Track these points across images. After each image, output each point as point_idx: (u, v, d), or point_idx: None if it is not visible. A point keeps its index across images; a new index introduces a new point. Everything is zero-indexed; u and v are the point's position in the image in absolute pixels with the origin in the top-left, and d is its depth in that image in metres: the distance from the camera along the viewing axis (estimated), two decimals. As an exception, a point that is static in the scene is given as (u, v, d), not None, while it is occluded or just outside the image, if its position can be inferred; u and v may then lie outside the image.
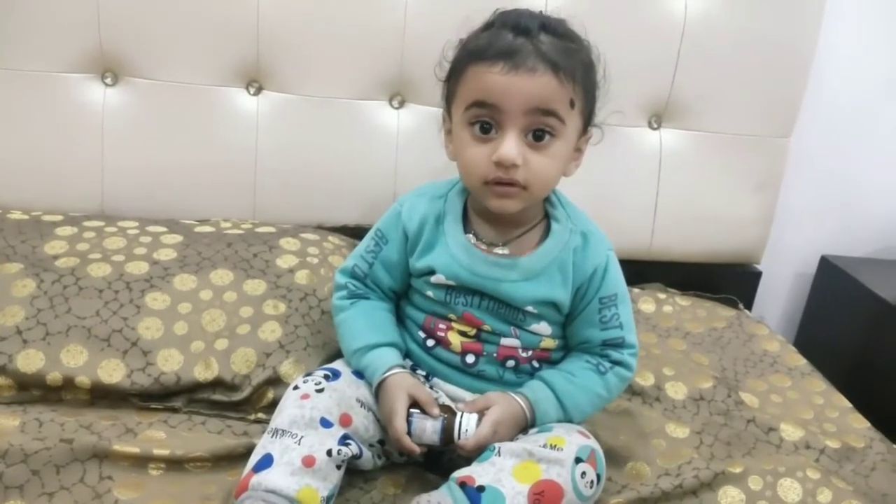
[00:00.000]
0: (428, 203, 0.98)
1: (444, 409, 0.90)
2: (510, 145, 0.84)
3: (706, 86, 1.40)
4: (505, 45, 0.84)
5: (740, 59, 1.39)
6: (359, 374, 0.94)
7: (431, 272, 0.94)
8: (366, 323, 0.97)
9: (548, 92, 0.84)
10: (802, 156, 1.54)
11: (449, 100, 0.93)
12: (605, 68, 0.92)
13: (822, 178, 1.61)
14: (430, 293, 0.96)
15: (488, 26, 0.90)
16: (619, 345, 0.95)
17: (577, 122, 0.89)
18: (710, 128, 1.44)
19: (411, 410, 0.88)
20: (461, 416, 0.87)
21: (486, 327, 0.94)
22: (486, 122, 0.86)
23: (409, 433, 0.87)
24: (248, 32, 1.27)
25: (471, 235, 0.95)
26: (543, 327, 0.95)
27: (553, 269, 0.93)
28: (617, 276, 0.96)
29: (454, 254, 0.94)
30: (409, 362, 0.98)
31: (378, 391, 0.91)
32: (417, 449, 0.87)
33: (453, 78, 0.91)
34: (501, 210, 0.90)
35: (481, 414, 0.88)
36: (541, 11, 0.90)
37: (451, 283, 0.94)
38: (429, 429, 0.87)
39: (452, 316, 0.95)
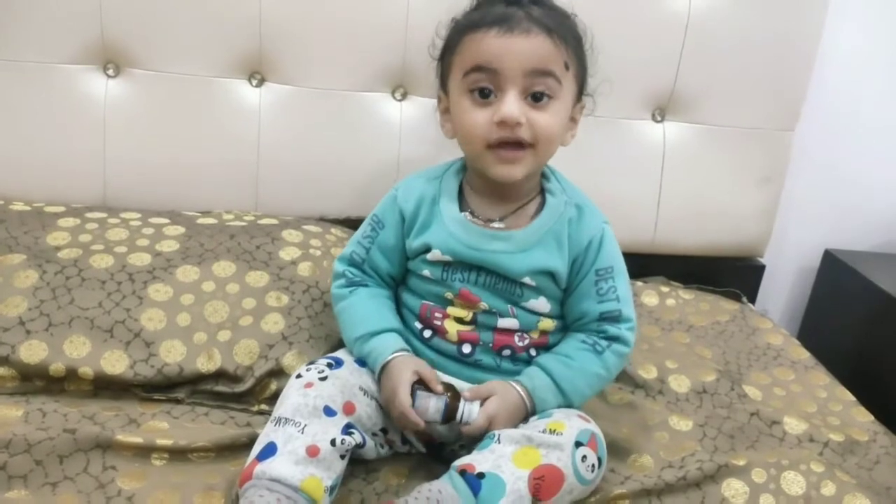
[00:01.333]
0: (424, 184, 0.99)
1: (448, 387, 0.90)
2: (511, 104, 0.86)
3: (710, 79, 1.40)
4: (498, 12, 0.88)
5: (744, 52, 1.38)
6: (361, 362, 0.94)
7: (427, 249, 0.95)
8: (366, 310, 0.97)
9: (544, 52, 0.87)
10: (806, 149, 1.54)
11: (444, 75, 0.95)
12: (592, 38, 0.94)
13: (826, 172, 1.61)
14: (426, 272, 0.96)
15: (479, 4, 0.93)
16: (616, 318, 0.95)
17: (572, 86, 0.92)
18: (714, 121, 1.43)
19: (415, 386, 0.88)
20: (464, 405, 0.88)
21: (483, 305, 0.94)
22: (486, 87, 0.88)
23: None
24: (250, 24, 1.27)
25: (467, 213, 0.95)
26: (542, 303, 0.95)
27: (549, 239, 0.94)
28: (613, 249, 0.97)
29: (450, 229, 0.94)
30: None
31: (381, 375, 0.91)
32: (422, 422, 0.87)
33: (448, 52, 0.93)
34: (507, 177, 0.91)
35: (483, 401, 0.88)
36: None
37: (447, 258, 0.94)
38: (432, 406, 0.87)
39: (449, 295, 0.95)
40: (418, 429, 0.88)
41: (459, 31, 0.91)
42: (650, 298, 1.40)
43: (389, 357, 0.91)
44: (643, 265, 1.44)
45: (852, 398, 1.18)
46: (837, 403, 1.16)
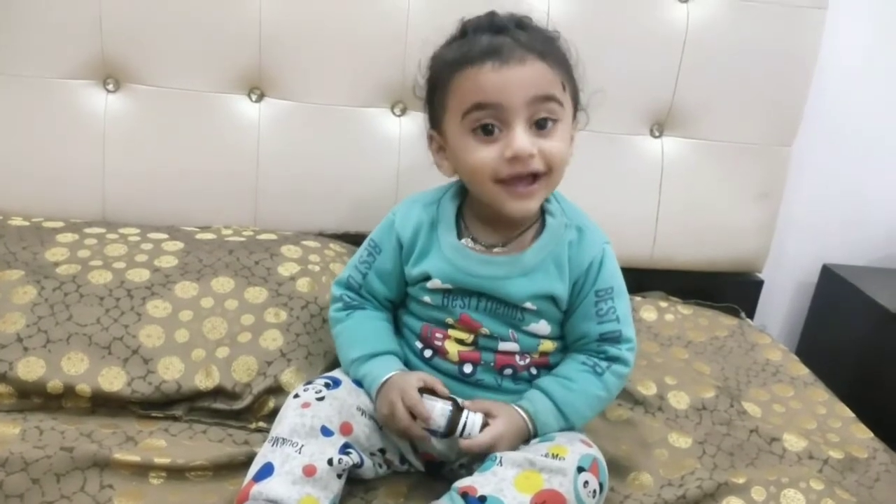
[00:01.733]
0: (421, 210, 0.98)
1: (450, 400, 0.90)
2: (522, 138, 0.84)
3: (708, 94, 1.40)
4: (486, 44, 0.85)
5: (742, 67, 1.39)
6: (359, 382, 0.94)
7: (427, 277, 0.94)
8: (363, 333, 0.97)
9: (542, 78, 0.85)
10: (804, 164, 1.54)
11: (436, 116, 0.92)
12: (577, 56, 0.93)
13: (824, 187, 1.61)
14: (427, 298, 0.95)
15: (459, 36, 0.90)
16: (616, 339, 0.94)
17: (570, 105, 0.90)
18: (712, 136, 1.44)
19: (420, 392, 0.88)
20: (467, 414, 0.87)
21: (484, 330, 0.93)
22: (489, 123, 0.86)
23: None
24: (249, 39, 1.27)
25: (467, 240, 0.94)
26: (542, 326, 0.94)
27: (549, 263, 0.92)
28: (613, 269, 0.95)
29: (448, 257, 0.93)
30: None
31: (378, 393, 0.90)
32: (421, 433, 0.86)
33: (438, 92, 0.90)
34: (523, 212, 0.90)
35: (486, 415, 0.88)
36: (510, 13, 0.91)
37: (447, 286, 0.93)
38: (437, 410, 0.87)
39: (450, 320, 0.94)
40: (418, 437, 0.87)
41: (448, 69, 0.88)
42: (649, 314, 1.40)
43: (387, 376, 0.90)
44: (641, 280, 1.44)
45: (851, 415, 1.18)
46: (837, 420, 1.16)
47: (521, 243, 0.94)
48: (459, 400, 0.90)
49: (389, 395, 0.88)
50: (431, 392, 0.89)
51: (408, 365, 0.97)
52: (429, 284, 0.94)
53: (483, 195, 0.91)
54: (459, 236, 0.95)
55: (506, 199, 0.88)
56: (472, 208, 0.97)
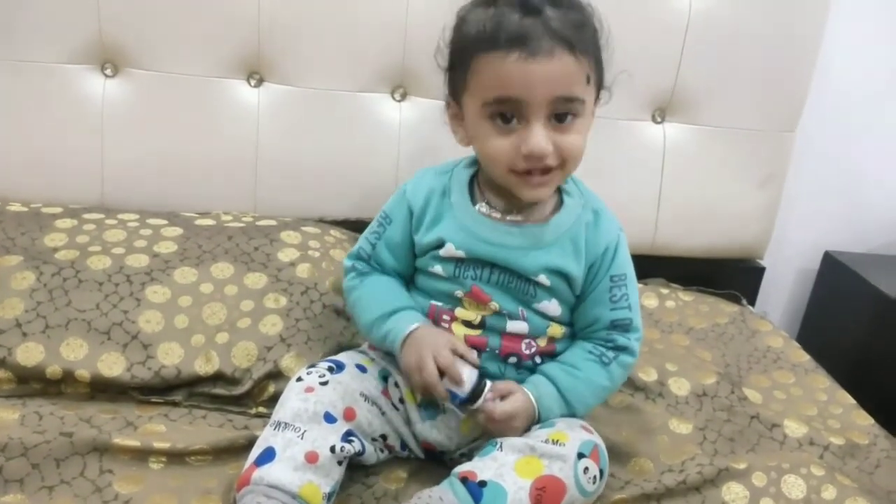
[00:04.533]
0: (433, 177, 0.97)
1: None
2: (539, 137, 0.82)
3: (710, 80, 1.39)
4: (515, 28, 0.80)
5: (745, 52, 1.38)
6: (362, 367, 0.93)
7: (441, 244, 0.92)
8: (380, 293, 0.96)
9: (567, 76, 0.82)
10: (807, 150, 1.53)
11: (455, 88, 0.90)
12: (609, 29, 0.89)
13: (827, 173, 1.61)
14: (438, 268, 0.93)
15: (490, 2, 0.84)
16: (626, 328, 0.93)
17: (593, 93, 0.88)
18: (715, 122, 1.43)
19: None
20: (490, 386, 0.87)
21: (494, 305, 0.91)
22: (507, 112, 0.84)
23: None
24: (249, 24, 1.26)
25: (483, 204, 0.93)
26: (553, 306, 0.93)
27: (566, 241, 0.92)
28: (627, 256, 0.95)
29: (464, 223, 0.92)
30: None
31: (403, 346, 0.89)
32: (445, 394, 0.86)
33: (460, 67, 0.87)
34: (536, 198, 0.89)
35: (506, 394, 0.87)
36: None
37: (460, 254, 0.91)
38: (465, 374, 0.86)
39: (459, 292, 0.92)
40: (440, 396, 0.86)
41: (472, 47, 0.84)
42: (650, 300, 1.39)
43: (412, 327, 0.89)
44: (643, 267, 1.40)
45: (853, 401, 1.18)
46: (838, 406, 1.16)
47: (538, 214, 0.93)
48: (482, 372, 0.90)
49: (420, 349, 0.87)
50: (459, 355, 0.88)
51: None
52: (442, 252, 0.92)
53: (497, 179, 0.90)
54: (474, 202, 0.93)
55: (520, 186, 0.87)
56: (486, 175, 0.94)
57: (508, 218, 0.92)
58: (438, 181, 0.96)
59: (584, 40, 0.83)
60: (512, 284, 0.92)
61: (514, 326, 0.93)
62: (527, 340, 0.93)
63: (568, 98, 0.83)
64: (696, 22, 1.34)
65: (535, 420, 0.90)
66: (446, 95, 0.93)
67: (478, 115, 0.86)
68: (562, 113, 0.84)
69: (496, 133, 0.85)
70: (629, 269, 0.95)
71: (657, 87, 1.39)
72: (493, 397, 0.87)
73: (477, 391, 0.86)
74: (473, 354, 0.89)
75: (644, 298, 1.39)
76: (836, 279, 1.60)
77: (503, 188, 0.91)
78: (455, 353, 0.87)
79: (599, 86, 0.90)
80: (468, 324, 0.93)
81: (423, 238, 0.94)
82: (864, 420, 1.13)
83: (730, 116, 1.43)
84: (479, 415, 0.87)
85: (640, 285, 1.42)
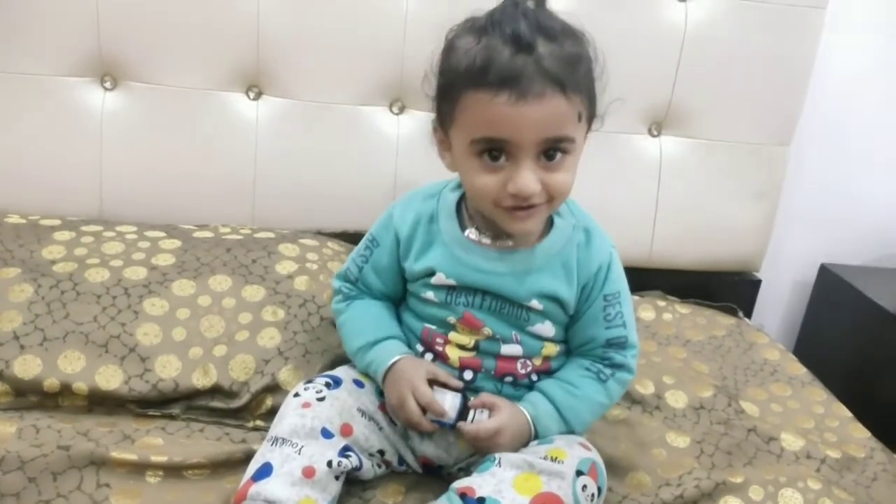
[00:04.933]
0: (420, 203, 0.96)
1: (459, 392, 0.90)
2: (527, 178, 0.80)
3: (706, 94, 1.40)
4: (506, 67, 0.77)
5: (740, 67, 1.39)
6: (359, 382, 0.93)
7: (431, 273, 0.92)
8: (363, 321, 0.97)
9: (558, 117, 0.79)
10: (802, 164, 1.54)
11: (443, 119, 0.87)
12: (603, 58, 0.86)
13: (822, 187, 1.61)
14: (429, 294, 0.93)
15: (480, 31, 0.80)
16: (622, 345, 0.93)
17: (584, 128, 0.86)
18: (710, 135, 1.44)
19: (430, 383, 0.88)
20: (474, 412, 0.87)
21: (487, 331, 0.91)
22: (496, 152, 0.81)
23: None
24: (248, 37, 1.27)
25: (472, 230, 0.92)
26: (547, 328, 0.92)
27: (556, 265, 0.91)
28: (620, 273, 0.94)
29: (453, 251, 0.91)
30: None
31: (385, 380, 0.90)
32: (432, 426, 0.86)
33: (448, 100, 0.83)
34: (522, 232, 0.88)
35: (490, 409, 0.88)
36: (533, 7, 0.81)
37: (451, 282, 0.91)
38: (448, 402, 0.86)
39: (452, 319, 0.92)
40: (428, 430, 0.87)
41: (461, 82, 0.80)
42: (647, 313, 1.40)
43: (392, 361, 0.90)
44: (639, 280, 1.42)
45: (849, 414, 1.18)
46: (834, 419, 1.16)
47: (528, 238, 0.92)
48: (466, 393, 0.90)
49: (399, 387, 0.88)
50: (440, 383, 0.89)
51: None
52: (433, 280, 0.92)
53: (483, 211, 0.89)
54: (462, 227, 0.93)
55: (506, 220, 0.85)
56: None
57: (498, 243, 0.91)
58: (426, 207, 0.95)
59: (576, 78, 0.80)
60: (504, 310, 0.91)
61: (508, 349, 0.92)
62: (522, 360, 0.93)
63: (558, 139, 0.81)
64: (691, 36, 1.35)
65: (531, 437, 0.89)
66: (433, 121, 0.90)
67: (465, 150, 0.83)
68: (551, 151, 0.82)
69: (483, 170, 0.82)
70: (623, 286, 0.94)
71: (653, 100, 1.40)
72: (482, 409, 0.87)
73: (464, 413, 0.86)
74: (454, 381, 0.90)
75: (641, 311, 1.39)
76: (832, 292, 1.60)
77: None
78: (436, 382, 0.88)
79: (591, 119, 0.88)
80: (462, 347, 0.93)
81: (413, 266, 0.94)
82: (861, 433, 1.13)
83: (725, 130, 1.43)
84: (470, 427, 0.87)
85: (637, 297, 1.43)
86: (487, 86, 0.77)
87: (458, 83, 0.81)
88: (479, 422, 0.86)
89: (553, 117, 0.79)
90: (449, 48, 0.84)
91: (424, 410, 0.87)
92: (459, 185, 0.95)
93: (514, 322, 0.92)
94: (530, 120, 0.78)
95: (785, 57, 1.40)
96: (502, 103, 0.77)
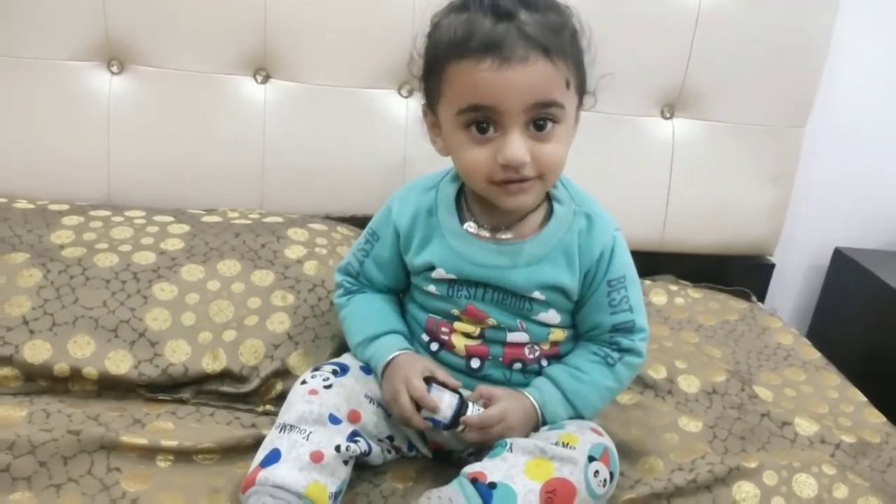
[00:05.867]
0: (418, 196, 0.94)
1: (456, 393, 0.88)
2: (516, 146, 0.79)
3: (720, 75, 1.38)
4: (487, 34, 0.76)
5: (754, 48, 1.37)
6: (366, 369, 0.93)
7: (431, 268, 0.91)
8: (363, 316, 0.96)
9: (544, 81, 0.78)
10: (817, 146, 1.52)
11: (431, 97, 0.86)
12: (590, 30, 0.85)
13: (837, 170, 1.59)
14: (431, 288, 0.93)
15: (461, 7, 0.81)
16: (629, 329, 0.91)
17: (574, 98, 0.84)
18: (724, 117, 1.42)
19: (428, 380, 0.87)
20: (472, 406, 0.86)
21: (491, 321, 0.90)
22: (483, 122, 0.80)
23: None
24: (255, 20, 1.25)
25: (471, 223, 0.91)
26: (552, 315, 0.91)
27: (557, 254, 0.89)
28: (625, 257, 0.92)
29: (452, 246, 0.90)
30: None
31: (384, 374, 0.89)
32: (425, 423, 0.85)
33: (433, 75, 0.83)
34: (517, 207, 0.86)
35: (489, 401, 0.87)
36: None
37: (451, 276, 0.90)
38: (445, 400, 0.85)
39: (455, 311, 0.92)
40: (421, 427, 0.87)
41: (444, 55, 0.80)
42: (659, 297, 1.39)
43: (390, 357, 0.89)
44: (652, 263, 1.43)
45: (864, 399, 1.17)
46: (849, 404, 1.15)
47: (528, 227, 0.91)
48: (464, 394, 0.89)
49: (394, 382, 0.87)
50: (437, 381, 0.88)
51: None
52: (433, 275, 0.91)
53: (477, 190, 0.87)
54: (461, 220, 0.91)
55: (499, 195, 0.84)
56: (471, 190, 0.92)
57: (497, 236, 0.90)
58: (424, 199, 0.94)
59: (561, 43, 0.79)
60: (507, 301, 0.90)
61: (514, 337, 0.92)
62: (529, 346, 0.93)
63: (545, 103, 0.79)
64: (705, 17, 1.33)
65: (540, 423, 0.89)
66: (423, 105, 0.89)
67: (453, 124, 0.82)
68: (541, 120, 0.80)
69: (472, 143, 0.81)
70: (628, 271, 0.92)
71: (666, 82, 1.38)
72: (479, 402, 0.87)
73: (459, 415, 0.85)
74: (453, 380, 0.89)
75: (653, 295, 1.38)
76: (846, 276, 1.59)
77: (490, 202, 0.88)
78: (433, 379, 0.87)
79: (582, 90, 0.86)
80: (467, 335, 0.92)
81: (414, 260, 0.93)
82: (876, 418, 1.12)
83: (739, 112, 1.41)
84: (466, 433, 0.86)
85: (649, 282, 1.42)
86: (470, 54, 0.77)
87: (441, 57, 0.81)
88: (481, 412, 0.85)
89: (539, 82, 0.78)
90: (433, 27, 0.84)
91: (420, 407, 0.86)
92: (457, 176, 0.93)
93: (517, 312, 0.91)
94: (515, 85, 0.77)
95: (800, 38, 1.37)
96: (486, 69, 0.77)
